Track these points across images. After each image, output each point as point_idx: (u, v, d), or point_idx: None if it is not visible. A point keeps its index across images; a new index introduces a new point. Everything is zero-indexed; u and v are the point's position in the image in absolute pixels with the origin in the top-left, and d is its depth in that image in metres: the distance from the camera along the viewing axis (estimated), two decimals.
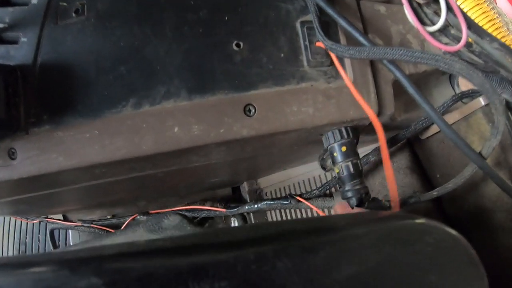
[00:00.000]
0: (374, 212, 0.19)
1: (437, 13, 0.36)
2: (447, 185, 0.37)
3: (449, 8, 0.35)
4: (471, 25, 0.35)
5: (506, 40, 0.86)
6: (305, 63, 0.31)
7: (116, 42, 0.31)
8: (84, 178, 0.36)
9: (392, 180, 0.26)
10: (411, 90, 0.29)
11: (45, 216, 0.57)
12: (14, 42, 0.34)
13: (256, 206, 0.49)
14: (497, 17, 0.83)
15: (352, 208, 0.35)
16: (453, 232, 0.18)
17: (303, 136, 0.33)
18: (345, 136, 0.33)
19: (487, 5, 0.85)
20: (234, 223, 0.59)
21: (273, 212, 0.52)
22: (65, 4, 0.32)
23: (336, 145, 0.34)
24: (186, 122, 0.29)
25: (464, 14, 0.34)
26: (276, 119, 0.30)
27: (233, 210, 0.50)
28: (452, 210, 0.47)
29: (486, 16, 0.83)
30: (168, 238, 0.14)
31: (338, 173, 0.34)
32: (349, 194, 0.33)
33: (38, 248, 0.59)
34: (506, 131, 0.37)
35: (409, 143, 0.47)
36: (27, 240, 0.59)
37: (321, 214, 0.47)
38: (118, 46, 0.31)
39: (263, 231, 0.16)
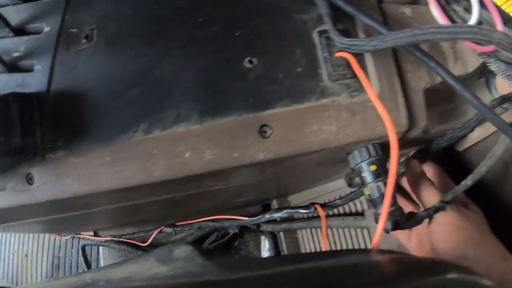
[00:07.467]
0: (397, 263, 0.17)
1: (468, 10, 0.32)
2: (479, 169, 0.31)
3: (481, 3, 0.30)
4: (508, 20, 0.30)
5: None
6: (325, 77, 0.29)
7: (125, 65, 0.30)
8: (102, 202, 0.35)
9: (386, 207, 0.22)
10: (452, 82, 0.25)
11: (77, 233, 0.59)
12: (29, 70, 0.34)
13: (276, 214, 0.47)
14: None
15: (387, 233, 0.31)
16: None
17: (327, 157, 0.30)
18: (374, 154, 0.30)
19: None
20: (264, 241, 0.57)
21: (303, 231, 0.49)
22: (75, 30, 0.32)
23: (364, 165, 0.30)
24: (198, 146, 0.28)
25: (499, 8, 0.30)
26: (295, 140, 0.27)
27: (254, 218, 0.49)
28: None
29: None
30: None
31: (369, 195, 0.31)
32: None
33: (71, 262, 0.61)
34: None
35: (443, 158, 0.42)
36: (60, 254, 0.62)
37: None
38: (127, 70, 0.30)
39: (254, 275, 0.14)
